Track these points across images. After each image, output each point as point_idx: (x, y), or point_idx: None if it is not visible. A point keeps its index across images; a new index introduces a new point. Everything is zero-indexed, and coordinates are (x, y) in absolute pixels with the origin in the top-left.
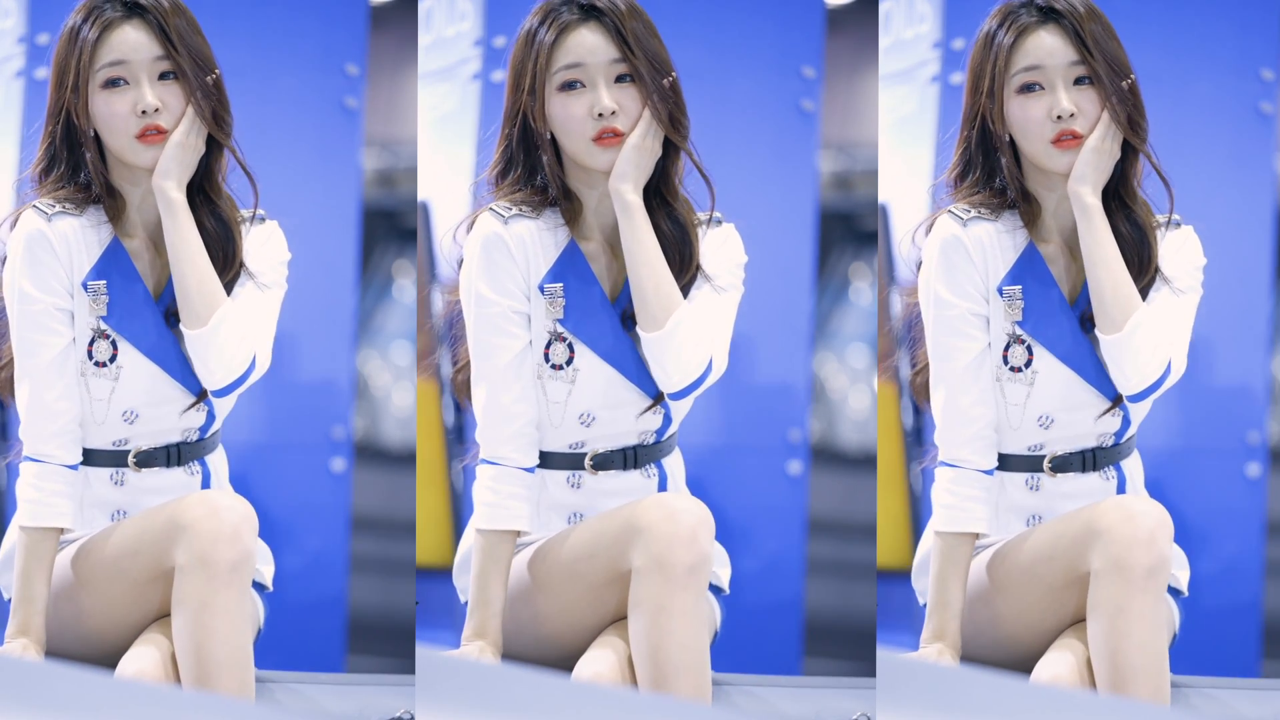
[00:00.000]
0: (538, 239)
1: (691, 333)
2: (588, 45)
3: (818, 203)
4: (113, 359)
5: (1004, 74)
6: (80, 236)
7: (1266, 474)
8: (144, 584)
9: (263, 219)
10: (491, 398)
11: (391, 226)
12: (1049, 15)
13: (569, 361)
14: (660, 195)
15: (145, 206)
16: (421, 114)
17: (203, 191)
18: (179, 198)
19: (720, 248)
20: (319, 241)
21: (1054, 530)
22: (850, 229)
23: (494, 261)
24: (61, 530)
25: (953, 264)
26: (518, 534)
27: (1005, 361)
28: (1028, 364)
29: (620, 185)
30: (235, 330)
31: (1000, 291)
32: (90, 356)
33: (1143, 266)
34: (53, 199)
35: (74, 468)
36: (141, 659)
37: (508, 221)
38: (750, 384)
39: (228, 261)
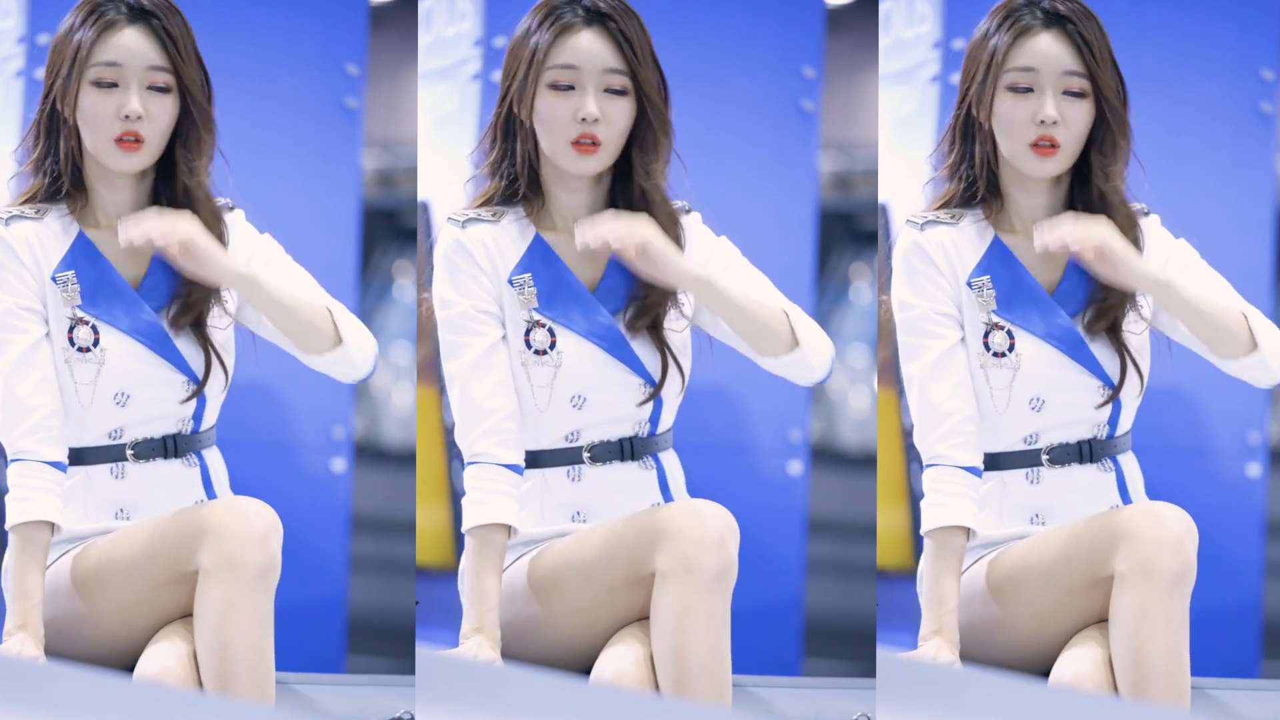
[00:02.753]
0: (498, 238)
1: (807, 324)
2: (584, 49)
3: (818, 203)
4: (95, 343)
5: (999, 68)
6: (42, 234)
7: (1266, 474)
8: (161, 586)
9: (230, 208)
10: (464, 395)
11: (391, 226)
12: (1053, 21)
13: (552, 346)
14: (644, 193)
15: (117, 201)
16: (421, 114)
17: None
18: (241, 270)
19: (699, 240)
20: (319, 241)
21: (1070, 533)
22: (850, 229)
23: (454, 264)
24: (52, 526)
25: (912, 267)
26: (509, 529)
27: (987, 348)
28: (1010, 348)
29: (689, 273)
30: (347, 320)
31: (969, 285)
32: (72, 344)
33: (1121, 295)
34: (7, 207)
35: (58, 465)
36: (164, 656)
37: (464, 225)
38: (750, 384)
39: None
